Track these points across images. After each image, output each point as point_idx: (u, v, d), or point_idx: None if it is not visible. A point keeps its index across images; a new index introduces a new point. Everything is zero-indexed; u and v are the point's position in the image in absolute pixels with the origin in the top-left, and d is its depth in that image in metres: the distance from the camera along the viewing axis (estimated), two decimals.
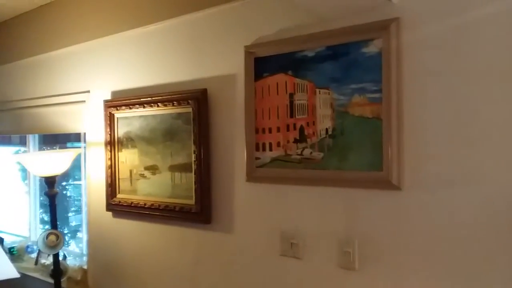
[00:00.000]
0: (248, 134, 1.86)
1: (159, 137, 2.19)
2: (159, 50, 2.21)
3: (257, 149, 1.84)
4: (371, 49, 1.55)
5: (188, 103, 2.04)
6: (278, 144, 1.79)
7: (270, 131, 1.81)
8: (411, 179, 1.47)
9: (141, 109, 2.24)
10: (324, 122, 1.66)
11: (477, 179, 1.36)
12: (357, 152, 1.58)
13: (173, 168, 2.14)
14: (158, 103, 2.16)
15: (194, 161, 2.02)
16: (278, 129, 1.79)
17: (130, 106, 2.28)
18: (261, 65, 1.82)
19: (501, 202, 1.32)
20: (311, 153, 1.70)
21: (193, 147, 2.03)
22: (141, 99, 2.23)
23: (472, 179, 1.36)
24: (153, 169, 2.23)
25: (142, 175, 2.28)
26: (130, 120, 2.32)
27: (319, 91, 1.67)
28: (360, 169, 1.57)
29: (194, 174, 2.03)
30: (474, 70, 1.36)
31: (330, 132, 1.65)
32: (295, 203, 1.75)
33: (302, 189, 1.72)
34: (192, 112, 2.03)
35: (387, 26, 1.49)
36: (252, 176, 1.86)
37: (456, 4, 1.39)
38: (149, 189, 2.24)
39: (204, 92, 1.99)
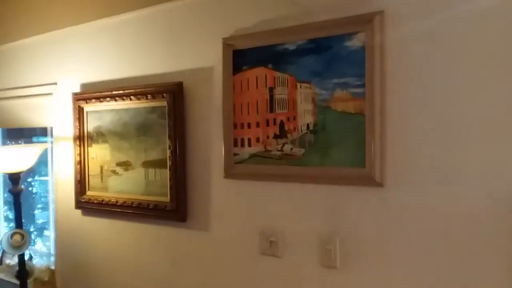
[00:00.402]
0: (226, 129, 1.80)
1: (132, 132, 2.10)
2: (133, 41, 2.12)
3: (236, 144, 1.78)
4: (354, 43, 1.51)
5: (163, 97, 1.96)
6: (258, 140, 1.73)
7: (249, 126, 1.76)
8: (394, 176, 1.45)
9: (113, 102, 2.14)
10: (305, 117, 1.62)
11: (460, 177, 1.34)
12: (340, 148, 1.54)
13: (147, 164, 2.06)
14: (131, 97, 2.07)
15: (169, 156, 1.95)
16: (258, 124, 1.73)
17: (101, 99, 2.18)
18: (240, 58, 1.76)
19: (484, 200, 1.31)
20: (291, 149, 1.65)
21: (168, 142, 1.95)
22: (113, 92, 2.13)
23: (456, 177, 1.35)
24: (125, 165, 2.14)
25: (114, 172, 2.18)
26: (100, 114, 2.21)
27: (300, 85, 1.63)
28: (343, 165, 1.54)
29: (169, 170, 1.95)
30: (460, 66, 1.34)
31: (311, 128, 1.60)
32: (275, 200, 1.70)
33: (282, 186, 1.68)
34: (167, 106, 1.95)
35: (371, 19, 1.46)
36: (230, 173, 1.80)
37: None
38: (121, 186, 2.15)
39: (180, 85, 1.92)
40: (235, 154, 1.78)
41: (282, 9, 1.66)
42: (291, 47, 1.64)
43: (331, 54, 1.55)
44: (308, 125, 1.61)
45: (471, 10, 1.32)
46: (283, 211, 1.68)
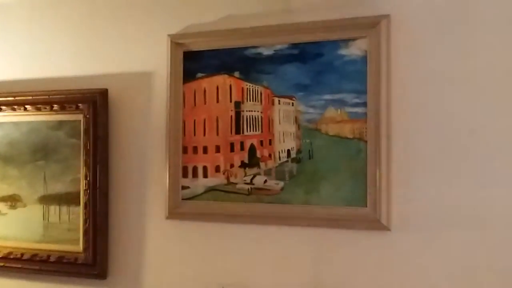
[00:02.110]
0: (171, 154, 1.37)
1: (26, 155, 1.55)
2: (31, 29, 1.58)
3: (185, 175, 1.37)
4: (352, 51, 1.22)
5: (77, 108, 1.47)
6: (217, 169, 1.34)
7: (205, 150, 1.35)
8: (403, 217, 1.18)
9: None
10: (286, 142, 1.28)
11: (481, 217, 1.13)
12: (332, 182, 1.23)
13: (47, 200, 1.52)
14: (26, 106, 1.55)
15: (85, 189, 1.45)
16: (218, 149, 1.34)
17: None
18: (194, 62, 1.37)
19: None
20: (265, 181, 1.29)
21: (83, 170, 1.45)
22: None
23: (476, 218, 1.13)
24: (12, 200, 1.58)
25: None
26: None
27: (279, 100, 1.29)
28: (336, 204, 1.22)
29: (84, 208, 1.46)
30: (479, 80, 1.14)
31: (294, 155, 1.27)
32: (241, 248, 1.32)
33: (251, 230, 1.31)
34: (83, 120, 1.46)
35: (376, 24, 1.19)
36: (176, 212, 1.37)
37: (456, 2, 1.16)
38: (4, 230, 1.58)
39: (103, 93, 1.44)
40: (184, 188, 1.36)
41: (257, 3, 1.30)
42: (267, 52, 1.30)
43: (322, 63, 1.25)
44: (289, 151, 1.27)
45: (491, 10, 1.13)
46: (251, 263, 1.31)
